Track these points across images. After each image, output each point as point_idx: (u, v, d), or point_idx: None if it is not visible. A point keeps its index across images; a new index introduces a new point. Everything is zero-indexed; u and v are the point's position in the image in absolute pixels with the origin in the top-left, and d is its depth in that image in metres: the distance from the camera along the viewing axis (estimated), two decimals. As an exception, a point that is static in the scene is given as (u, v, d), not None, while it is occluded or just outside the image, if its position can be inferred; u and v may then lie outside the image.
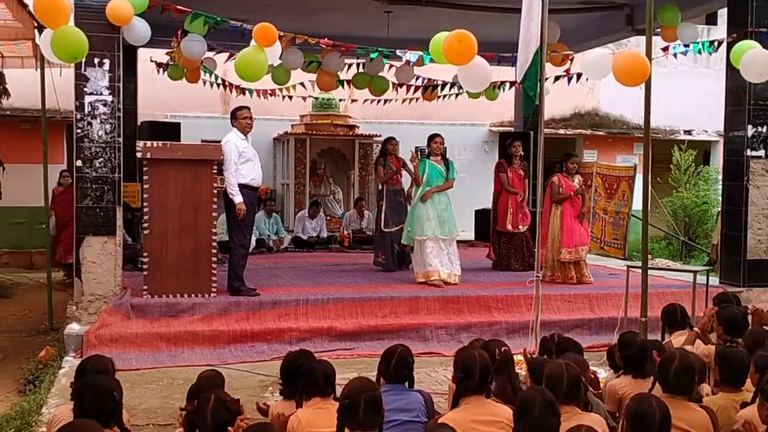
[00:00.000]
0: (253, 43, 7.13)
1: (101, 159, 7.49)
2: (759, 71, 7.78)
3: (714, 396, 4.33)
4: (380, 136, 13.89)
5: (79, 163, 7.49)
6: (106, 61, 7.45)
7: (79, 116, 7.46)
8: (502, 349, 4.37)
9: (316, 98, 13.97)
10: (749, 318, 5.57)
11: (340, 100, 14.11)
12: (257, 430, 3.22)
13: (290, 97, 11.77)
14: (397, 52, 8.15)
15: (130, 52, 11.36)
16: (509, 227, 10.10)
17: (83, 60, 7.29)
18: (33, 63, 9.40)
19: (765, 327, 5.42)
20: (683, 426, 3.68)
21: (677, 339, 5.36)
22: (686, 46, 9.11)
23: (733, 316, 5.30)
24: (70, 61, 6.87)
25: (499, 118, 16.69)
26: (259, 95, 11.64)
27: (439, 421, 3.56)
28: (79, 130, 7.47)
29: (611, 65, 6.44)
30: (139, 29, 7.58)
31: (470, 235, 13.72)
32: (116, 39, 7.50)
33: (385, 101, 12.19)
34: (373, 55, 8.18)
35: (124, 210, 8.73)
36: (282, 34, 7.40)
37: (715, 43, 9.01)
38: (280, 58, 9.29)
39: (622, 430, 3.40)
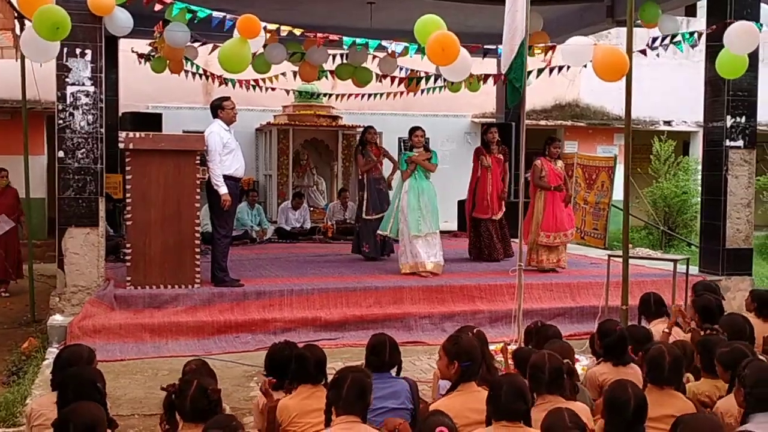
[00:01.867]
0: (236, 34, 7.11)
1: (83, 150, 7.46)
2: (745, 42, 7.81)
3: (697, 382, 4.42)
4: (363, 126, 13.92)
5: (61, 153, 7.46)
6: (88, 52, 7.41)
7: (60, 107, 7.42)
8: (475, 330, 4.48)
9: (300, 93, 13.96)
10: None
11: (325, 94, 14.11)
12: (221, 422, 3.22)
13: (273, 89, 11.76)
14: (383, 42, 8.16)
15: (111, 43, 11.30)
16: (489, 214, 10.14)
17: (65, 50, 7.27)
18: (13, 54, 9.33)
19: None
20: (672, 413, 3.77)
21: (656, 327, 5.44)
22: (663, 39, 9.18)
23: (708, 303, 5.40)
24: (52, 36, 6.71)
25: (481, 110, 16.76)
26: (241, 86, 11.63)
27: (433, 407, 3.61)
28: (61, 121, 7.43)
29: (591, 57, 6.49)
30: (121, 20, 7.55)
31: (453, 226, 13.79)
32: (98, 29, 7.47)
33: (369, 96, 12.21)
34: (360, 42, 8.14)
35: (106, 201, 8.70)
36: (266, 25, 7.40)
37: (695, 35, 9.08)
38: (263, 51, 9.29)
39: (602, 415, 3.48)
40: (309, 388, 3.93)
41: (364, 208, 10.07)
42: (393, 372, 4.18)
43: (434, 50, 6.72)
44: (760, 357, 4.23)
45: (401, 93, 11.84)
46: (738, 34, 7.76)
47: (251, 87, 11.70)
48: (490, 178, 10.15)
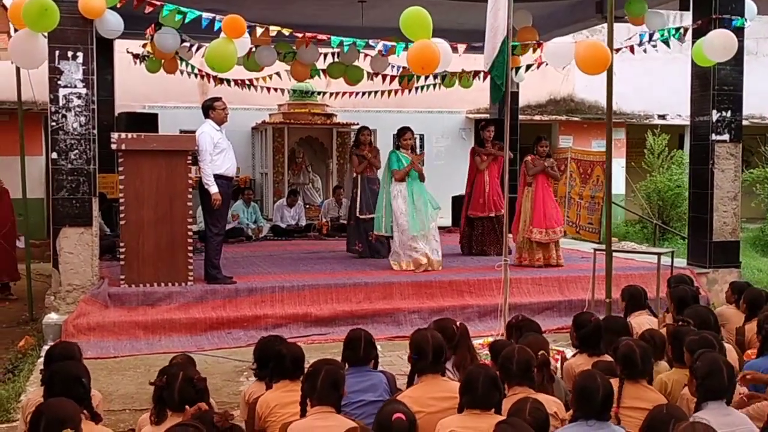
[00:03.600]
0: (222, 34, 7.23)
1: (76, 151, 7.57)
2: (722, 48, 7.95)
3: (669, 372, 4.54)
4: (357, 124, 13.96)
5: (54, 155, 7.57)
6: (80, 54, 7.50)
7: (53, 109, 7.53)
8: (458, 323, 4.61)
9: (295, 91, 14.07)
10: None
11: (319, 93, 14.22)
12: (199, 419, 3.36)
13: (269, 89, 11.86)
14: (371, 42, 8.25)
15: (107, 44, 11.41)
16: (486, 212, 10.22)
17: (56, 53, 7.39)
18: (9, 55, 9.43)
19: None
20: (646, 406, 3.89)
21: (636, 320, 5.56)
22: (651, 35, 9.25)
23: (684, 294, 5.52)
24: (41, 21, 6.64)
25: (475, 105, 16.83)
26: (237, 85, 11.74)
27: (397, 398, 3.74)
28: (53, 123, 7.54)
29: (574, 54, 6.60)
30: (112, 23, 7.65)
31: (447, 221, 13.89)
32: (89, 32, 7.55)
33: (363, 93, 12.31)
34: (347, 41, 8.23)
35: (102, 201, 8.81)
36: (254, 24, 7.50)
37: (681, 30, 9.16)
38: (253, 55, 9.39)
39: (571, 404, 3.61)
40: (287, 383, 4.08)
41: (357, 207, 10.17)
42: (371, 365, 4.31)
43: (415, 68, 7.26)
44: (726, 345, 4.35)
45: (395, 90, 11.94)
46: (717, 48, 7.93)
47: (246, 86, 11.81)
48: (487, 178, 10.23)
